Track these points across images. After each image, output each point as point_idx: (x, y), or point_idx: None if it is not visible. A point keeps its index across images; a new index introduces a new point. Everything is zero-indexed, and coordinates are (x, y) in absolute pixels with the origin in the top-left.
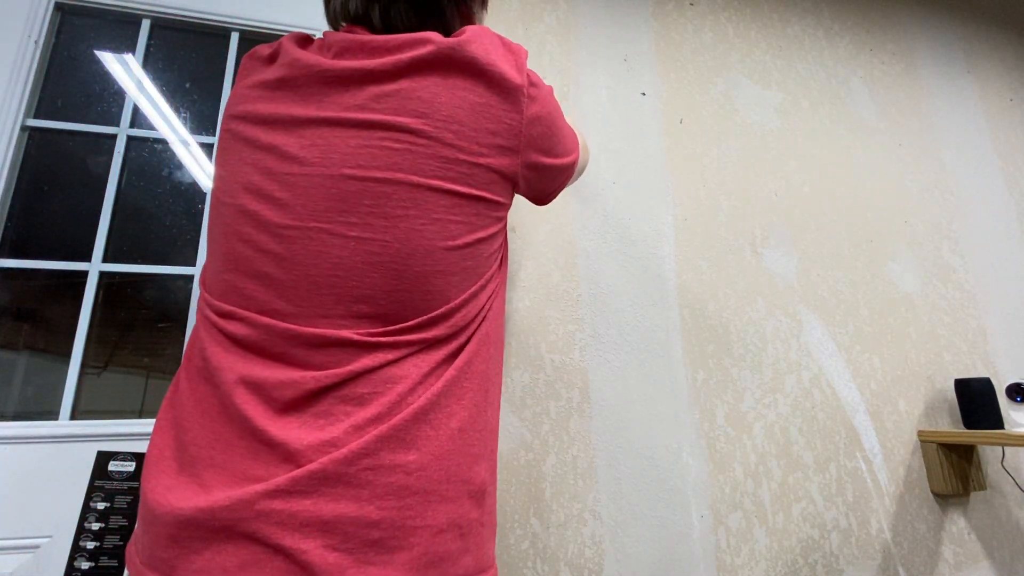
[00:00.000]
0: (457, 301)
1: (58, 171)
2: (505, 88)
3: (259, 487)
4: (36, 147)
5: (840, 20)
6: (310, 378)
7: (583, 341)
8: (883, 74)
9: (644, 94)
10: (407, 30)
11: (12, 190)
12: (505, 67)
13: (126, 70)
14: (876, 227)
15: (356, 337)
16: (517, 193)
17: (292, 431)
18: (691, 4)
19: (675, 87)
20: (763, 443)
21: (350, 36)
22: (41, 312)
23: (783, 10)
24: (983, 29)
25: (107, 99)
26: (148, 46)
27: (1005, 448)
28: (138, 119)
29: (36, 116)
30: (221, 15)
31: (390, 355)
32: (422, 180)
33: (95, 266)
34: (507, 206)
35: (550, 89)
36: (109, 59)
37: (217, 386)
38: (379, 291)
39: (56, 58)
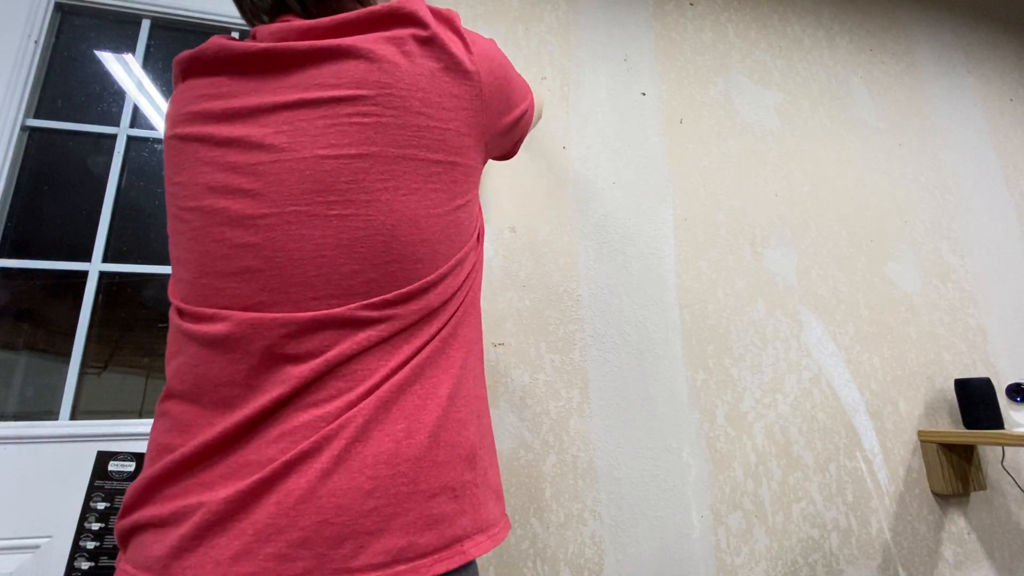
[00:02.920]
0: (444, 268)
1: (58, 171)
2: (448, 53)
3: (255, 476)
4: (36, 147)
5: (840, 20)
6: (303, 363)
7: (583, 341)
8: (883, 74)
9: (644, 94)
10: (323, 12)
11: (12, 190)
12: (445, 35)
13: (126, 70)
14: (876, 227)
15: (349, 313)
16: (488, 156)
17: (287, 416)
18: (691, 4)
19: (675, 87)
20: (763, 443)
21: (283, 25)
22: (41, 312)
23: (783, 10)
24: (983, 29)
25: (107, 99)
26: (148, 46)
27: (1005, 448)
28: (138, 119)
29: (36, 116)
30: (221, 15)
31: (384, 330)
32: (397, 151)
33: (95, 266)
34: (479, 170)
35: (491, 41)
36: (109, 59)
37: (203, 394)
38: (368, 265)
39: (56, 58)
